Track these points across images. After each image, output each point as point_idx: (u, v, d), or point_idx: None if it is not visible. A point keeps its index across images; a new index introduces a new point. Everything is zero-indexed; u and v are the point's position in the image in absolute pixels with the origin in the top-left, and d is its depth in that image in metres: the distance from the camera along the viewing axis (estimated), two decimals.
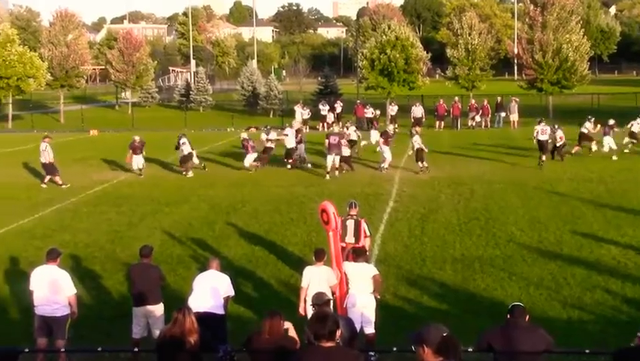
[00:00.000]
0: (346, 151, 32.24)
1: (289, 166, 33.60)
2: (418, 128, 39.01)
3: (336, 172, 31.18)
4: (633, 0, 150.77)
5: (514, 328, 8.89)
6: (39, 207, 25.97)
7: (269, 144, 34.00)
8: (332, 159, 31.19)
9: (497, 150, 38.79)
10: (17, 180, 31.65)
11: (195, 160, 33.00)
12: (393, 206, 24.93)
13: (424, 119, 52.73)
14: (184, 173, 32.40)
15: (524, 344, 8.74)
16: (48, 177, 30.30)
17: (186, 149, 32.47)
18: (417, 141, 31.81)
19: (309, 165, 33.80)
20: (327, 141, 31.57)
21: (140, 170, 32.41)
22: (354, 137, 37.95)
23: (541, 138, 33.92)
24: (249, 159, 33.08)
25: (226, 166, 34.19)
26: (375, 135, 40.36)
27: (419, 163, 31.65)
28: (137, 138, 32.85)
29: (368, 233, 16.27)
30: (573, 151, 35.60)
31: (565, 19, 58.81)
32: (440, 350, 6.56)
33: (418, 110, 52.72)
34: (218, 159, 36.05)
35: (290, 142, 33.84)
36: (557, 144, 34.34)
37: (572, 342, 12.07)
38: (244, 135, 34.08)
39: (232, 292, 12.74)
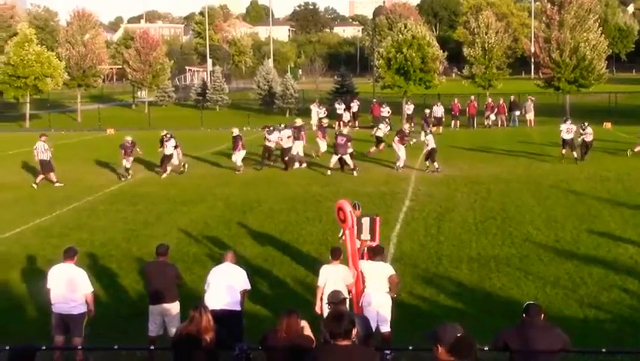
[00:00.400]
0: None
1: (304, 165, 33.64)
2: (434, 128, 38.92)
3: (354, 172, 31.19)
4: None
5: (529, 327, 8.85)
6: (56, 205, 26.10)
7: (268, 143, 33.68)
8: (337, 158, 31.50)
9: (513, 149, 38.69)
10: (34, 179, 31.75)
11: (175, 161, 32.81)
12: (409, 205, 24.90)
13: (444, 119, 52.58)
14: (161, 173, 32.22)
15: (540, 343, 8.71)
16: (53, 176, 30.48)
17: (169, 150, 32.17)
18: (430, 140, 31.72)
19: (304, 165, 33.84)
20: (334, 140, 31.94)
21: (127, 170, 31.84)
22: (380, 134, 37.88)
23: (567, 136, 34.09)
24: (238, 157, 32.99)
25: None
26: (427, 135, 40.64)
27: (434, 163, 31.61)
28: (128, 139, 32.24)
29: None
30: (636, 150, 35.19)
31: (582, 17, 58.55)
32: (453, 350, 6.59)
33: (438, 110, 52.44)
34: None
35: (287, 142, 33.58)
36: (587, 141, 33.91)
37: (589, 342, 12.03)
38: (236, 132, 33.63)
39: (248, 286, 12.76)
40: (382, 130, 38.11)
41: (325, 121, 42.57)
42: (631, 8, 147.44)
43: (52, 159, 30.70)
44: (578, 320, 13.98)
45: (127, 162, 31.75)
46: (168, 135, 32.58)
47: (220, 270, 12.73)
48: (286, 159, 33.38)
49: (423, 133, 40.58)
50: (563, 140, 34.18)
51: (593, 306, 14.73)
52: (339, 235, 15.58)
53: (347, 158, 31.46)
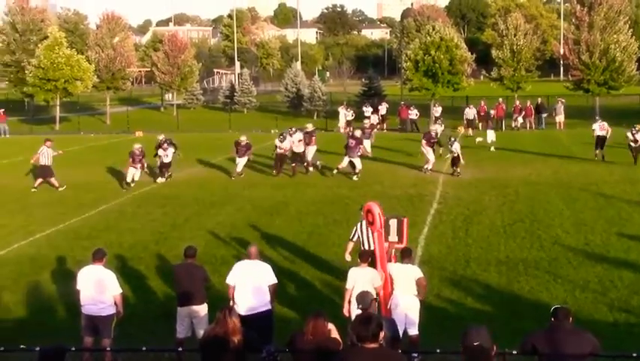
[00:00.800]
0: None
1: (311, 169, 33.37)
2: (464, 130, 38.65)
3: (355, 177, 31.10)
4: None
5: (558, 331, 8.78)
6: (85, 207, 26.29)
7: (280, 151, 32.51)
8: (347, 161, 31.35)
9: (542, 152, 38.46)
10: (64, 182, 31.99)
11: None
12: (437, 208, 24.83)
13: (476, 121, 52.43)
14: (158, 179, 31.47)
15: (569, 346, 8.63)
16: (40, 180, 30.36)
17: (169, 158, 31.39)
18: (457, 149, 31.38)
19: (318, 167, 33.59)
20: (346, 142, 31.86)
21: (134, 182, 30.25)
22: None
23: (600, 133, 34.35)
24: (241, 163, 32.27)
25: (270, 168, 34.15)
26: (491, 135, 40.48)
27: (454, 167, 31.37)
28: (137, 146, 30.78)
29: None
30: None
31: (612, 19, 58.13)
32: (465, 355, 6.72)
33: (470, 112, 52.36)
34: (262, 161, 36.00)
35: (299, 147, 33.08)
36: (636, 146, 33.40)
37: (619, 346, 11.93)
38: (242, 138, 32.68)
39: (275, 280, 12.73)
40: (438, 130, 38.15)
41: (366, 121, 42.58)
42: None
43: (45, 163, 30.58)
44: (608, 324, 13.86)
45: (135, 172, 30.33)
46: (169, 142, 31.87)
47: (244, 268, 12.71)
48: (306, 164, 33.01)
49: (492, 131, 40.83)
50: (597, 137, 34.17)
51: (623, 310, 14.60)
52: (350, 237, 15.49)
53: (356, 160, 31.37)
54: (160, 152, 31.46)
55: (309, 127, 35.76)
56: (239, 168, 32.25)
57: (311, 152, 34.16)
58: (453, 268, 17.69)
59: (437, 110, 55.63)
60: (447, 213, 23.90)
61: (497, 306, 15.14)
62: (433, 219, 22.99)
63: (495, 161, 35.87)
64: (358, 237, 15.07)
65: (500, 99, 56.10)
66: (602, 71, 57.62)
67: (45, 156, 30.55)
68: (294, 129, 34.68)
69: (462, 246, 19.76)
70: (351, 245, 15.33)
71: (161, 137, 32.70)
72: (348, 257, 15.35)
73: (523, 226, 21.84)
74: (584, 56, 57.93)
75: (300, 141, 33.22)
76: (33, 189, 30.10)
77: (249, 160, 32.93)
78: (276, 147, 32.71)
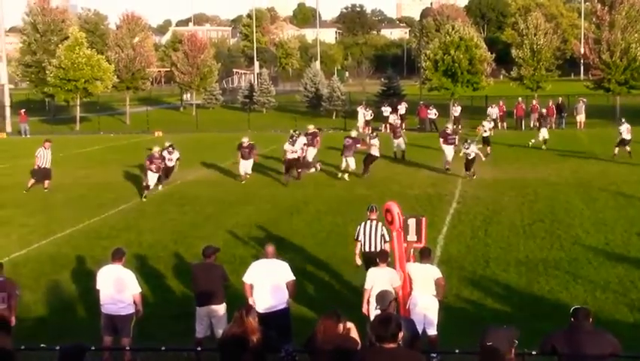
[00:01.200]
0: (375, 151, 31.95)
1: (318, 169, 33.27)
2: (488, 127, 38.43)
3: (345, 175, 31.15)
4: None
5: (578, 331, 8.73)
6: (105, 207, 26.41)
7: (292, 155, 30.95)
8: (346, 161, 31.28)
9: (562, 151, 38.28)
10: (84, 181, 32.19)
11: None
12: (456, 207, 24.77)
13: (498, 121, 52.22)
14: (160, 186, 30.27)
15: (589, 347, 8.58)
16: (32, 181, 30.14)
17: (172, 162, 30.88)
18: (473, 150, 30.97)
19: (319, 168, 33.41)
20: (343, 142, 31.73)
21: (149, 189, 28.78)
22: (486, 134, 37.64)
23: (627, 136, 34.48)
24: (248, 166, 31.40)
25: None
26: (544, 133, 40.37)
27: (468, 171, 30.87)
28: (157, 149, 29.75)
29: (387, 238, 15.22)
30: None
31: (634, 18, 57.78)
32: (479, 354, 6.74)
33: (493, 112, 52.14)
34: (281, 161, 36.03)
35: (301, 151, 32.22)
36: None
37: (639, 347, 11.84)
38: (244, 140, 31.70)
39: (293, 277, 12.74)
40: (486, 127, 37.97)
41: (396, 119, 42.50)
42: None
43: (44, 166, 30.37)
44: (629, 325, 13.79)
45: (152, 176, 29.02)
46: (173, 147, 31.38)
47: (262, 267, 12.74)
48: (299, 170, 32.11)
49: (544, 130, 40.65)
50: (622, 140, 34.17)
51: None
52: (355, 237, 15.44)
53: (350, 160, 31.29)
54: (165, 154, 30.82)
55: (311, 128, 35.45)
56: (248, 171, 31.54)
57: (311, 154, 33.71)
58: (472, 268, 17.64)
59: (456, 110, 55.50)
60: (466, 212, 23.84)
61: (517, 306, 15.08)
62: (452, 219, 22.94)
63: (514, 161, 35.75)
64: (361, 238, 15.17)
65: (520, 99, 55.88)
66: (622, 71, 57.30)
67: (41, 158, 30.26)
68: (297, 132, 33.71)
69: (481, 246, 19.70)
70: (359, 245, 15.36)
71: (167, 143, 32.06)
72: (358, 261, 15.34)
73: (543, 225, 21.74)
74: (604, 55, 57.61)
75: (305, 144, 32.47)
76: (45, 190, 30.06)
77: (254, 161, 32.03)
78: (286, 151, 31.12)
